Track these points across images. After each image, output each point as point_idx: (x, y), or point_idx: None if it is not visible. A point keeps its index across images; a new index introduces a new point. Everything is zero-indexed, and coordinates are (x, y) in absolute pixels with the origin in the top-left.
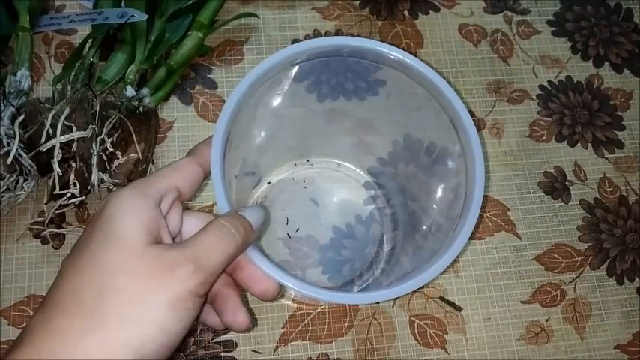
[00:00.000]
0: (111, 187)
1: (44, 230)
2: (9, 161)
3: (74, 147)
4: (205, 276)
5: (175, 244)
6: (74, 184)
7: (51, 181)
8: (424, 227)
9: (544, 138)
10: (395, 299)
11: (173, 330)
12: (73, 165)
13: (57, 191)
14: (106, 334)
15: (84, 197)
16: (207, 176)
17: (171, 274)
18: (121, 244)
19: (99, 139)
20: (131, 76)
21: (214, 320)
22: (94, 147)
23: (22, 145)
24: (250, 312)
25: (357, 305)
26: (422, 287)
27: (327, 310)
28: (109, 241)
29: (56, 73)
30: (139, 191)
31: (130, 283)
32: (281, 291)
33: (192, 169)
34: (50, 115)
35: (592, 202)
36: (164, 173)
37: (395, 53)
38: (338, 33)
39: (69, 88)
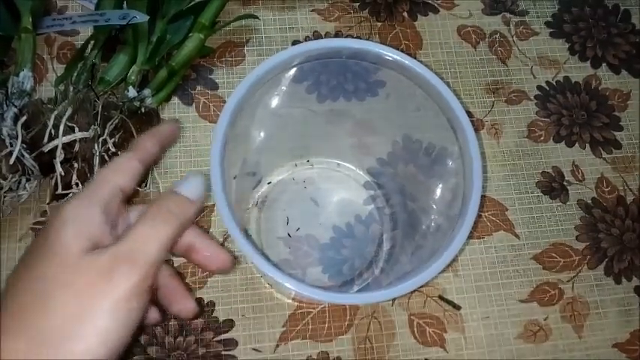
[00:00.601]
0: None
1: None
2: (11, 161)
3: (76, 147)
4: (144, 270)
5: (111, 244)
6: (76, 184)
7: (53, 181)
8: (423, 227)
9: (542, 138)
10: (394, 298)
11: (119, 336)
12: (75, 165)
13: (59, 191)
14: (53, 354)
15: None
16: (147, 168)
17: (108, 280)
18: (60, 256)
19: (101, 139)
20: (133, 77)
21: (151, 315)
22: (96, 147)
23: (24, 146)
24: (249, 310)
25: (357, 304)
26: (421, 286)
27: (327, 309)
28: (49, 254)
29: (58, 74)
30: (83, 200)
31: (70, 297)
32: (235, 262)
33: (132, 165)
34: (52, 116)
35: (590, 201)
36: (107, 176)
37: (393, 55)
38: (338, 34)
39: (71, 88)
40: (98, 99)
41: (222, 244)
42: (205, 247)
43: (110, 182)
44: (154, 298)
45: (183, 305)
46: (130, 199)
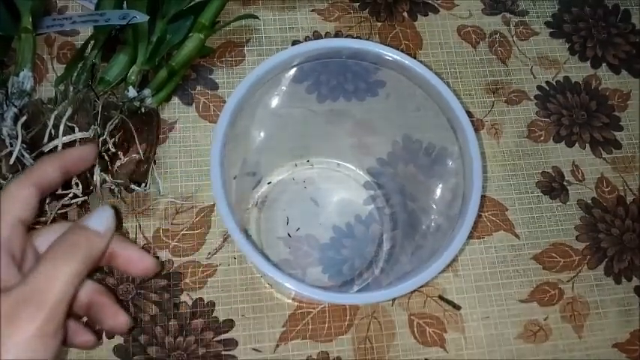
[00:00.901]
0: (112, 187)
1: None
2: (11, 161)
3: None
4: (49, 311)
5: (16, 285)
6: (76, 184)
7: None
8: (423, 227)
9: (542, 138)
10: (394, 298)
11: None
12: None
13: (59, 191)
14: None
15: (86, 197)
16: (45, 193)
17: (11, 324)
18: None
19: (101, 139)
20: (133, 77)
21: (83, 339)
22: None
23: (24, 146)
24: (249, 310)
25: (357, 304)
26: (421, 286)
27: (327, 309)
28: None
29: (58, 74)
30: None
31: None
32: (159, 266)
33: (26, 193)
34: (52, 116)
35: (590, 201)
36: (4, 210)
37: (393, 55)
38: (338, 34)
39: (71, 89)
40: (98, 99)
41: (224, 241)
42: (127, 252)
43: (6, 218)
44: (85, 319)
45: (115, 320)
46: (35, 224)
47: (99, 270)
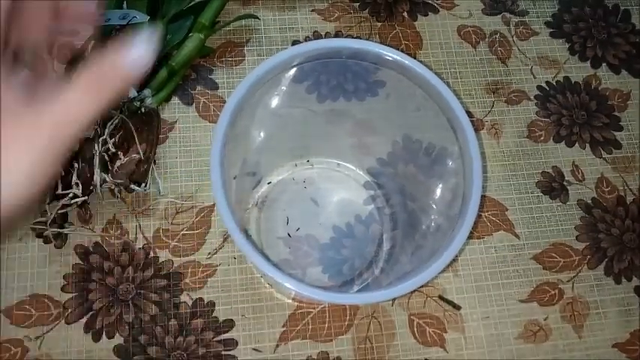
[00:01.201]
0: (113, 187)
1: (46, 230)
2: None
3: (76, 147)
4: (60, 143)
5: (33, 105)
6: (76, 184)
7: (53, 181)
8: (423, 227)
9: (542, 138)
10: (394, 298)
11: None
12: (76, 165)
13: (59, 191)
14: None
15: (86, 197)
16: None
17: (29, 128)
18: None
19: (101, 139)
20: None
21: None
22: (96, 147)
23: None
24: (249, 310)
25: (357, 304)
26: (421, 286)
27: (327, 309)
28: None
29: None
30: None
31: None
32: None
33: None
34: None
35: (590, 201)
36: None
37: (393, 55)
38: (338, 34)
39: None
40: None
41: (224, 241)
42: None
43: None
44: None
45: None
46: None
47: (98, 271)
